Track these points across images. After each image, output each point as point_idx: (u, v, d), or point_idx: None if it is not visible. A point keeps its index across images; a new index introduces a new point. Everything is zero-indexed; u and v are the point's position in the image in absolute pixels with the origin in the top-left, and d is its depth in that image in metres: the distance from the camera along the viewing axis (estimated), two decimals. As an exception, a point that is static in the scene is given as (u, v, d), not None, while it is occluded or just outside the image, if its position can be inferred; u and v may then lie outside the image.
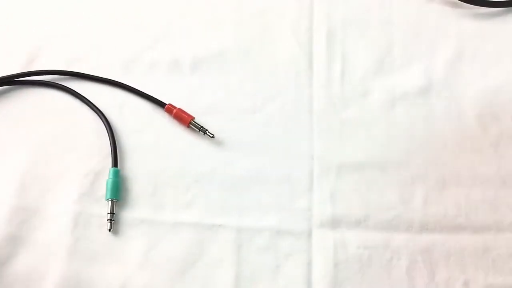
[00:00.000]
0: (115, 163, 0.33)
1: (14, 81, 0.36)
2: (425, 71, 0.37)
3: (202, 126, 0.34)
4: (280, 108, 0.36)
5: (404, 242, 0.32)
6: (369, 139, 0.35)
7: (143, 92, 0.36)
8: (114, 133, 0.35)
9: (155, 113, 0.36)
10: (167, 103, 0.35)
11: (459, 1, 0.40)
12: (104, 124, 0.35)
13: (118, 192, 0.32)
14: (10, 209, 0.32)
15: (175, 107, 0.35)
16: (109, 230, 0.32)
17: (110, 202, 0.32)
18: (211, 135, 0.34)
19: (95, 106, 0.35)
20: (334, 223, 0.32)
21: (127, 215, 0.32)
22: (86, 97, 0.36)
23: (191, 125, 0.34)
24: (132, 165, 0.34)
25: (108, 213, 0.32)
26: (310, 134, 0.35)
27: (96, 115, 0.35)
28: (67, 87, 0.36)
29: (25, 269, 0.31)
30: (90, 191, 0.33)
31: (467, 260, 0.31)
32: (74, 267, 0.31)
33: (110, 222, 0.32)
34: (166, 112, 0.35)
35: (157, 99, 0.36)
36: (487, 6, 0.40)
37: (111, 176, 0.33)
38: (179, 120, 0.35)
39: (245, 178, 0.34)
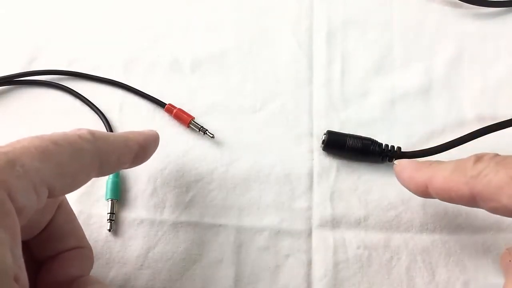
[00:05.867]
0: (115, 163, 0.33)
1: (14, 81, 0.36)
2: (425, 71, 0.37)
3: (202, 126, 0.34)
4: (280, 108, 0.36)
5: (404, 242, 0.32)
6: (369, 139, 0.35)
7: (143, 92, 0.36)
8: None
9: (155, 113, 0.36)
10: (167, 103, 0.35)
11: (459, 1, 0.40)
12: (104, 124, 0.35)
13: (118, 192, 0.32)
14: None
15: (175, 107, 0.35)
16: (109, 230, 0.32)
17: (110, 202, 0.32)
18: (211, 135, 0.34)
19: (95, 106, 0.35)
20: (334, 223, 0.32)
21: (127, 215, 0.32)
22: (86, 97, 0.36)
23: (191, 125, 0.34)
24: (132, 165, 0.34)
25: (108, 213, 0.32)
26: (310, 134, 0.35)
27: (96, 115, 0.35)
28: (67, 87, 0.36)
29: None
30: (90, 191, 0.33)
31: (467, 260, 0.31)
32: (74, 267, 0.31)
33: (110, 222, 0.32)
34: (166, 112, 0.35)
35: (157, 99, 0.36)
36: (487, 6, 0.40)
37: (111, 176, 0.33)
38: (179, 120, 0.35)
39: (245, 178, 0.34)
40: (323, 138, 0.34)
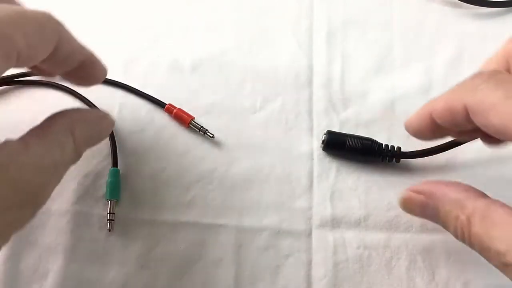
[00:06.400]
0: (115, 163, 0.33)
1: (14, 81, 0.36)
2: (425, 71, 0.37)
3: (202, 126, 0.34)
4: (280, 108, 0.36)
5: (404, 242, 0.32)
6: (369, 139, 0.35)
7: (143, 92, 0.36)
8: (114, 133, 0.35)
9: (155, 113, 0.36)
10: (167, 103, 0.35)
11: (459, 1, 0.40)
12: (104, 124, 0.35)
13: (118, 192, 0.32)
14: (10, 209, 0.32)
15: (175, 107, 0.35)
16: (109, 230, 0.32)
17: (110, 202, 0.32)
18: (211, 135, 0.34)
19: (95, 106, 0.35)
20: (334, 223, 0.32)
21: (127, 215, 0.32)
22: (86, 97, 0.36)
23: (191, 125, 0.34)
24: (132, 165, 0.34)
25: (108, 213, 0.32)
26: (310, 134, 0.35)
27: (96, 115, 0.35)
28: (67, 87, 0.36)
29: (25, 269, 0.31)
30: (90, 191, 0.33)
31: (467, 260, 0.31)
32: (74, 267, 0.31)
33: (110, 222, 0.32)
34: (166, 112, 0.35)
35: (157, 99, 0.36)
36: (487, 6, 0.40)
37: (111, 176, 0.33)
38: (179, 120, 0.35)
39: (245, 178, 0.34)
40: (323, 138, 0.34)
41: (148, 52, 0.38)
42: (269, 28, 0.39)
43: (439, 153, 0.33)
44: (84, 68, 0.28)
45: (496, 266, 0.25)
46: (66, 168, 0.26)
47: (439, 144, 0.33)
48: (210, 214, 0.33)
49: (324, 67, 0.38)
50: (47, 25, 0.24)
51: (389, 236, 0.32)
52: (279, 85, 0.37)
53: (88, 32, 0.39)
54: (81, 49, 0.27)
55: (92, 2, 0.40)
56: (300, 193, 0.33)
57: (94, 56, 0.28)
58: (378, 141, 0.34)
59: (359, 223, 0.32)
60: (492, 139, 0.27)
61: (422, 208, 0.28)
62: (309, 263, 0.31)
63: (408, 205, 0.29)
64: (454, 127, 0.27)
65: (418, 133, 0.29)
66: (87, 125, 0.27)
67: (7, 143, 0.23)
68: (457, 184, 0.27)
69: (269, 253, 0.32)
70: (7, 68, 0.22)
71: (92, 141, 0.28)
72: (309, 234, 0.32)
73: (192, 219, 0.32)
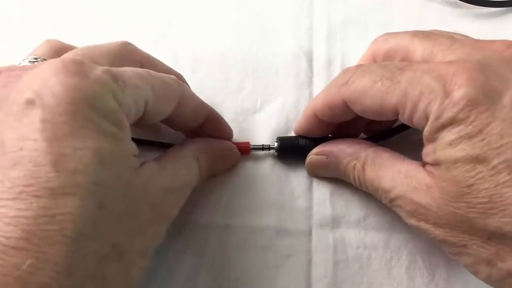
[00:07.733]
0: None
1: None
2: (425, 71, 0.37)
3: (263, 144, 0.34)
4: (280, 108, 0.36)
5: (404, 242, 0.32)
6: (369, 139, 0.35)
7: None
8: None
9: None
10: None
11: (459, 1, 0.40)
12: (104, 124, 0.35)
13: (118, 192, 0.32)
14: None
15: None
16: (109, 230, 0.32)
17: (110, 202, 0.32)
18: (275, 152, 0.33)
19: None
20: (334, 223, 0.32)
21: (127, 215, 0.32)
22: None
23: (252, 151, 0.34)
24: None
25: (108, 213, 0.32)
26: (310, 134, 0.35)
27: (96, 115, 0.35)
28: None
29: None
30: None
31: (467, 260, 0.31)
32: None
33: (110, 222, 0.32)
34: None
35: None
36: (487, 6, 0.40)
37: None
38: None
39: (245, 178, 0.34)
40: (275, 146, 0.33)
41: (148, 52, 0.38)
42: (269, 28, 0.39)
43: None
44: (208, 125, 0.31)
45: (386, 204, 0.28)
46: (190, 189, 0.29)
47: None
48: (211, 214, 0.33)
49: (324, 67, 0.38)
50: (172, 84, 0.27)
51: (389, 236, 0.32)
52: (279, 85, 0.37)
53: (88, 33, 0.39)
54: (202, 106, 0.30)
55: (92, 2, 0.40)
56: (300, 193, 0.33)
57: (216, 113, 0.31)
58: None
59: (359, 223, 0.32)
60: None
61: (325, 166, 0.31)
62: (309, 263, 0.31)
63: (313, 168, 0.32)
64: (335, 120, 0.30)
65: (308, 132, 0.32)
66: (211, 154, 0.31)
67: (148, 165, 0.25)
68: (351, 140, 0.31)
69: (269, 253, 0.32)
70: (137, 115, 0.24)
71: (215, 168, 0.32)
72: (309, 234, 0.32)
73: (192, 219, 0.32)
